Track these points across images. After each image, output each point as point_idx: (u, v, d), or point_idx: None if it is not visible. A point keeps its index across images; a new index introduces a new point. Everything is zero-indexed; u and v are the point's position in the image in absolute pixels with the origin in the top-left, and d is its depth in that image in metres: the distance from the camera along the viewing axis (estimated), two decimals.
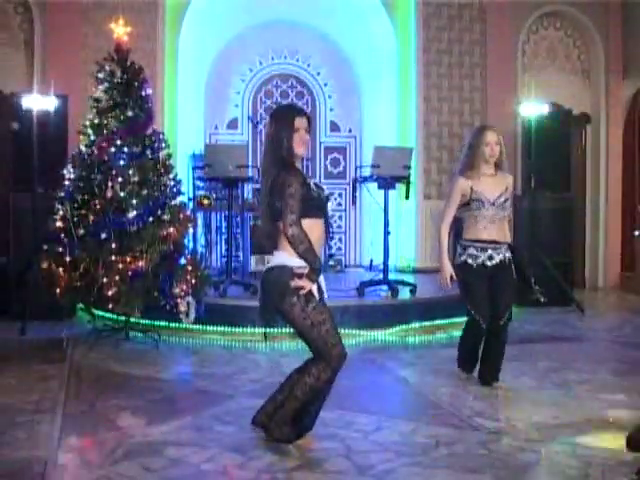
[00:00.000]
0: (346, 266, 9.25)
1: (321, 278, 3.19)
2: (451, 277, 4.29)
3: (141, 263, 5.24)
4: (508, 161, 4.53)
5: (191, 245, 6.68)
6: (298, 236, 3.05)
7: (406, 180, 6.61)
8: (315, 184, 3.25)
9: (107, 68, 5.69)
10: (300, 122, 3.20)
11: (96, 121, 5.60)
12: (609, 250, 9.29)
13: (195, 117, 9.17)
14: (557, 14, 9.30)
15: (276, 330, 3.36)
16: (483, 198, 4.25)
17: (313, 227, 3.14)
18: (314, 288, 3.12)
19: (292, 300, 3.10)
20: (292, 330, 3.25)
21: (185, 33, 8.54)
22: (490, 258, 4.26)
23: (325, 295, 3.24)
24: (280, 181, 3.09)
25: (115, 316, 5.67)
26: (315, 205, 3.17)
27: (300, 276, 3.09)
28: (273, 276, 3.15)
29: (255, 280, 6.95)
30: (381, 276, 6.62)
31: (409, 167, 6.64)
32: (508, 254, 4.32)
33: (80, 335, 5.77)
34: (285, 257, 3.13)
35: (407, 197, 6.68)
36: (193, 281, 5.54)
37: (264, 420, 3.25)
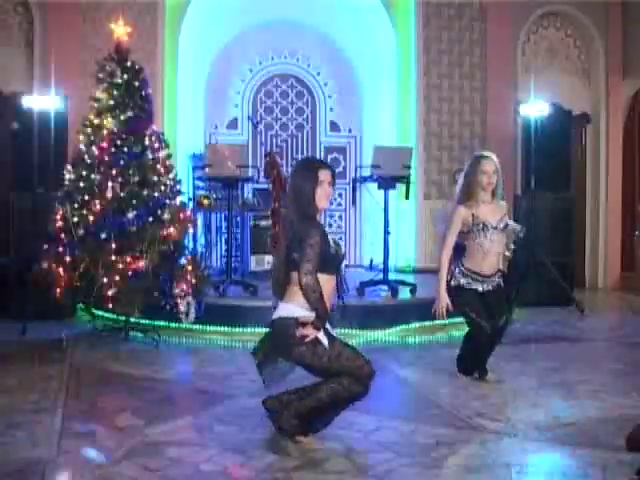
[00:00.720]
0: (346, 266, 9.24)
1: (327, 325, 3.22)
2: (447, 308, 4.29)
3: (141, 263, 5.25)
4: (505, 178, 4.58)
5: (191, 245, 6.68)
6: (312, 286, 3.10)
7: (406, 180, 6.61)
8: (334, 240, 3.29)
9: (107, 68, 5.69)
10: (324, 175, 3.22)
11: (96, 121, 5.60)
12: (609, 250, 9.30)
13: (195, 117, 9.18)
14: (557, 14, 9.30)
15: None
16: (486, 223, 4.31)
17: (325, 283, 3.18)
18: (320, 335, 3.14)
19: (300, 349, 3.14)
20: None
21: (185, 33, 8.54)
22: (484, 288, 4.36)
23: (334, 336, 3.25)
24: (301, 233, 3.12)
25: (115, 316, 5.67)
26: (330, 262, 3.21)
27: (304, 324, 3.12)
28: (279, 328, 3.20)
29: (255, 280, 6.96)
30: (381, 276, 6.62)
31: (409, 167, 6.64)
32: (500, 279, 4.43)
33: (80, 335, 5.77)
34: (291, 308, 3.18)
35: (407, 197, 6.68)
36: (193, 281, 5.54)
37: (275, 404, 3.25)
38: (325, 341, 3.14)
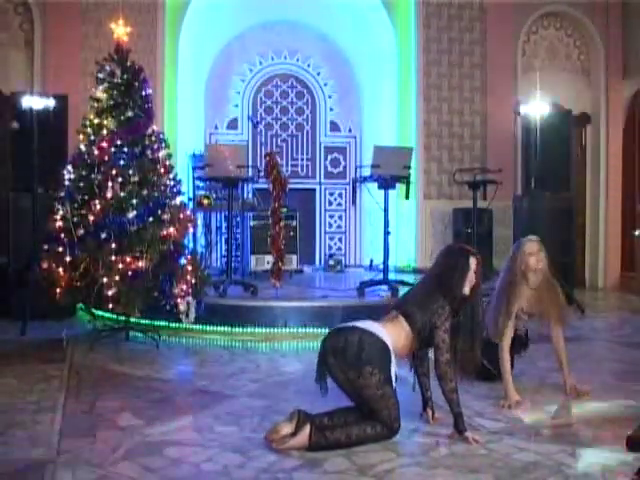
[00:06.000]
0: (346, 266, 9.26)
1: (395, 368, 3.36)
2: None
3: (141, 263, 5.24)
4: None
5: (191, 245, 6.68)
6: (450, 375, 3.36)
7: (406, 180, 6.61)
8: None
9: (107, 68, 5.68)
10: (474, 263, 3.48)
11: (96, 121, 5.60)
12: (609, 250, 9.30)
13: (195, 117, 9.18)
14: (557, 14, 9.31)
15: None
16: (531, 313, 4.25)
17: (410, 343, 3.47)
18: (393, 377, 3.31)
19: (374, 370, 3.24)
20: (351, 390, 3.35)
21: (185, 33, 8.55)
22: None
23: (394, 381, 3.37)
24: (444, 313, 3.39)
25: (115, 316, 5.67)
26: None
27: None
28: (369, 342, 3.28)
29: (255, 280, 6.96)
30: (381, 276, 6.62)
31: (409, 167, 6.64)
32: None
33: (80, 335, 5.77)
34: (385, 335, 3.34)
35: (407, 197, 6.68)
36: (193, 281, 5.54)
37: (310, 419, 3.24)
38: (394, 382, 3.29)
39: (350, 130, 9.92)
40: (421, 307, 3.43)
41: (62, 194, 5.50)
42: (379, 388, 3.24)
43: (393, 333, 3.41)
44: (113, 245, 5.22)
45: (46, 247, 5.41)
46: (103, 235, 5.26)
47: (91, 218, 5.32)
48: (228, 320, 5.91)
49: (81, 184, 5.45)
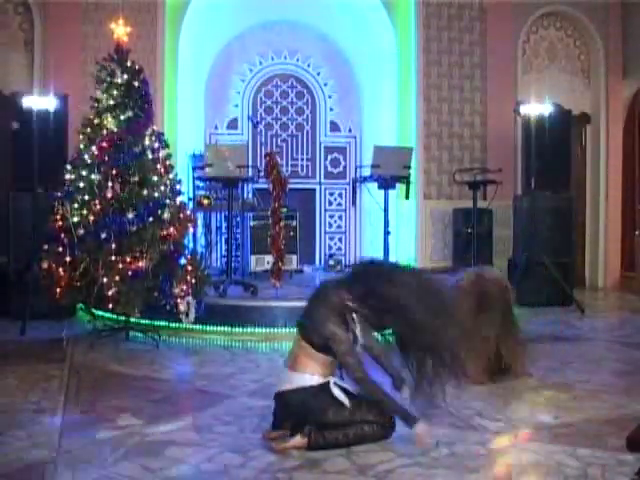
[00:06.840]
0: (346, 266, 9.25)
1: (338, 381, 3.31)
2: None
3: (141, 263, 5.24)
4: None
5: (191, 245, 6.68)
6: (372, 389, 3.27)
7: (406, 180, 6.61)
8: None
9: (107, 68, 5.69)
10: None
11: (96, 121, 5.60)
12: (609, 250, 9.29)
13: (195, 117, 9.18)
14: (557, 14, 9.30)
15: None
16: None
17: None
18: (341, 397, 3.23)
19: (327, 414, 3.21)
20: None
21: (185, 33, 8.54)
22: None
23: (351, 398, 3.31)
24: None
25: (115, 316, 5.67)
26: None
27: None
28: (296, 399, 3.23)
29: (255, 280, 6.96)
30: None
31: (409, 167, 6.64)
32: None
33: (80, 335, 5.77)
34: (305, 378, 3.26)
35: (407, 197, 6.68)
36: (193, 281, 5.54)
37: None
38: (346, 401, 3.23)
39: (350, 130, 9.91)
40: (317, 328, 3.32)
41: (62, 194, 5.50)
42: (352, 415, 3.23)
43: (310, 358, 3.30)
44: (113, 245, 5.22)
45: (46, 247, 5.41)
46: (103, 235, 5.26)
47: (91, 218, 5.32)
48: (228, 320, 5.92)
49: (81, 184, 5.45)
